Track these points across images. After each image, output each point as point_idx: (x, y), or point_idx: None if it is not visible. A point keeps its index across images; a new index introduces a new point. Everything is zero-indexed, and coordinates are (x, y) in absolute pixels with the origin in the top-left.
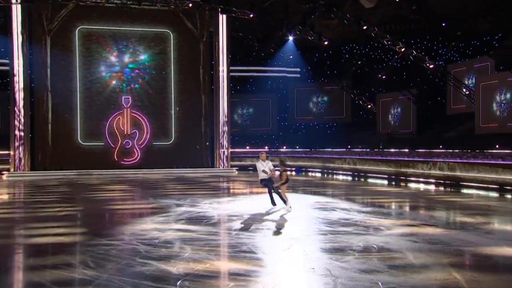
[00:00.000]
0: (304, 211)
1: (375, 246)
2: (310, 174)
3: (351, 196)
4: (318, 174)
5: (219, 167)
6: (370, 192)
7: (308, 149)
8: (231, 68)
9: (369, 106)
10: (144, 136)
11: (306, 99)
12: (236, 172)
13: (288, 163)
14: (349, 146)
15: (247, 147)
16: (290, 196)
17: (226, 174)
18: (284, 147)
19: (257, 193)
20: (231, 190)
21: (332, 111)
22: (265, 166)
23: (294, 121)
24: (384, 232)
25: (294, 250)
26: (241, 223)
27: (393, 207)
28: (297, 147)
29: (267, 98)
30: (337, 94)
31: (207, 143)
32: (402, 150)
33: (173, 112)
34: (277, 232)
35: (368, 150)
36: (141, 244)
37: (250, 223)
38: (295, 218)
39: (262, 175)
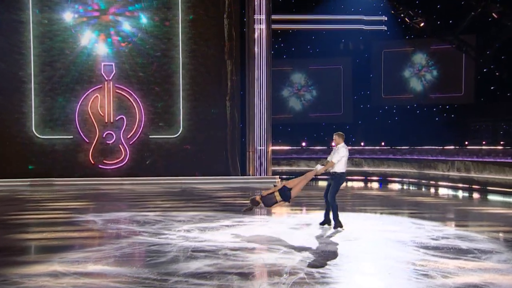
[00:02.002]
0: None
1: None
2: (395, 186)
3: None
4: (411, 187)
5: (253, 175)
6: None
7: (405, 147)
8: (275, 17)
9: (505, 76)
10: (136, 125)
11: (401, 66)
12: (280, 183)
13: (366, 169)
14: (465, 142)
15: (303, 144)
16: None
17: (262, 185)
18: (362, 144)
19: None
20: (249, 212)
21: (442, 85)
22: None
23: (380, 102)
24: None
25: None
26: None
27: None
28: (383, 143)
29: (336, 65)
30: (451, 59)
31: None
32: None
33: (181, 88)
34: None
35: (497, 147)
36: None
37: None
38: None
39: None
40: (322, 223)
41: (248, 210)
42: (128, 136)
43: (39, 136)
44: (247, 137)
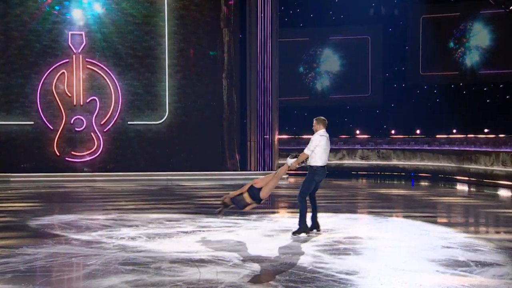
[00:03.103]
0: None
1: None
2: (424, 184)
3: None
4: (443, 186)
5: (255, 170)
6: None
7: (443, 136)
8: None
9: None
10: (111, 109)
11: (443, 36)
12: (288, 181)
13: (396, 162)
14: None
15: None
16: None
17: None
18: (393, 132)
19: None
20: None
21: (495, 60)
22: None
23: (418, 80)
24: None
25: None
26: None
27: None
28: (418, 131)
29: (364, 35)
30: (506, 27)
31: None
32: None
33: (166, 64)
34: None
35: None
36: None
37: None
38: None
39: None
40: (310, 229)
41: (221, 212)
42: (102, 122)
43: None
44: (248, 123)
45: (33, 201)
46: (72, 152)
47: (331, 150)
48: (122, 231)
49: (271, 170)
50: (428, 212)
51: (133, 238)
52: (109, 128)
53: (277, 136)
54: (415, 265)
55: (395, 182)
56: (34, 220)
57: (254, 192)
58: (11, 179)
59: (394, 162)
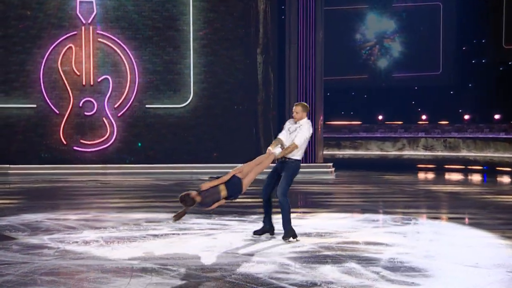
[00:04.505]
0: None
1: None
2: (489, 179)
3: None
4: None
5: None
6: None
7: None
8: None
9: None
10: (127, 90)
11: None
12: (334, 174)
13: (465, 153)
14: None
15: (380, 118)
16: None
17: (306, 176)
18: (466, 118)
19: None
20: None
21: None
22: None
23: (501, 55)
24: None
25: None
26: None
27: None
28: (497, 117)
29: (434, 1)
30: None
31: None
32: None
33: (191, 36)
34: None
35: None
36: None
37: None
38: None
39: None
40: (259, 232)
41: (179, 216)
42: (116, 106)
43: None
44: (287, 107)
45: (15, 197)
46: (81, 141)
47: (389, 140)
48: (83, 234)
49: (314, 162)
50: (471, 214)
51: (87, 243)
52: (123, 113)
53: (321, 122)
54: (394, 277)
55: (460, 177)
56: None
57: (235, 183)
58: (10, 171)
59: (463, 153)
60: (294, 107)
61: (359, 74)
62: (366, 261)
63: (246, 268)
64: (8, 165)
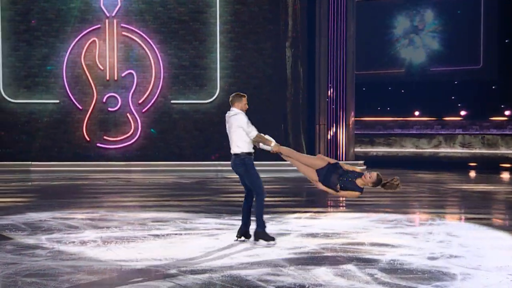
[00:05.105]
0: None
1: None
2: None
3: None
4: None
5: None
6: None
7: None
8: None
9: None
10: (151, 85)
11: None
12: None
13: (504, 151)
14: None
15: (416, 113)
16: None
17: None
18: (507, 114)
19: None
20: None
21: None
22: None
23: None
24: None
25: None
26: None
27: None
28: None
29: None
30: None
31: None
32: None
33: (218, 29)
34: None
35: None
36: None
37: None
38: None
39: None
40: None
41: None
42: (140, 101)
43: (9, 99)
44: (317, 103)
45: (28, 195)
46: (104, 137)
47: (424, 136)
48: (83, 234)
49: (345, 160)
50: (496, 214)
51: (83, 243)
52: (148, 108)
53: (352, 119)
54: (388, 280)
55: (495, 175)
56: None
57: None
58: (31, 168)
59: (502, 150)
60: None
61: (396, 68)
62: (365, 263)
63: (238, 270)
64: (30, 162)
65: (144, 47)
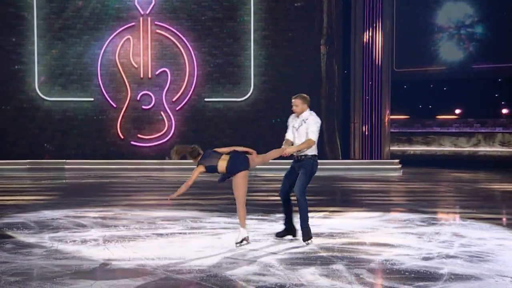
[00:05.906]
0: None
1: None
2: None
3: None
4: None
5: (359, 159)
6: None
7: None
8: None
9: None
10: (185, 83)
11: None
12: (401, 171)
13: None
14: None
15: (457, 112)
16: None
17: (367, 173)
18: None
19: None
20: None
21: None
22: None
23: None
24: None
25: None
26: None
27: None
28: None
29: None
30: None
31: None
32: None
33: (252, 28)
34: None
35: None
36: None
37: None
38: None
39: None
40: (280, 234)
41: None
42: (174, 99)
43: (44, 97)
44: (352, 101)
45: (50, 193)
46: (138, 135)
47: (463, 135)
48: (88, 233)
49: (379, 158)
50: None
51: (84, 242)
52: (182, 106)
53: (388, 117)
54: (372, 280)
55: None
56: (11, 216)
57: (239, 160)
58: (66, 166)
59: None
60: (292, 100)
61: (437, 65)
62: (356, 263)
63: (225, 269)
64: (64, 160)
65: (178, 45)
